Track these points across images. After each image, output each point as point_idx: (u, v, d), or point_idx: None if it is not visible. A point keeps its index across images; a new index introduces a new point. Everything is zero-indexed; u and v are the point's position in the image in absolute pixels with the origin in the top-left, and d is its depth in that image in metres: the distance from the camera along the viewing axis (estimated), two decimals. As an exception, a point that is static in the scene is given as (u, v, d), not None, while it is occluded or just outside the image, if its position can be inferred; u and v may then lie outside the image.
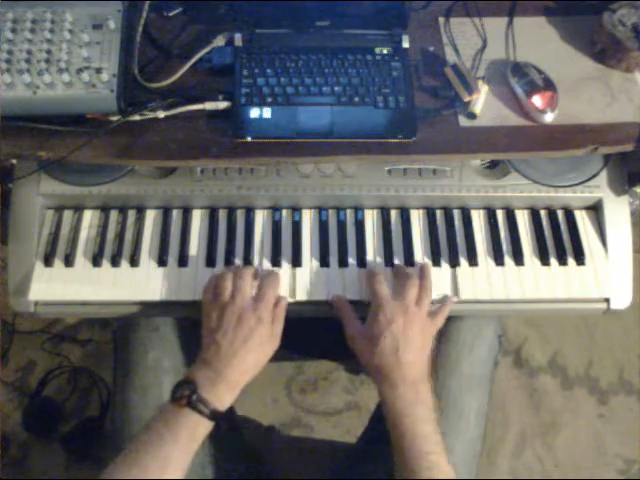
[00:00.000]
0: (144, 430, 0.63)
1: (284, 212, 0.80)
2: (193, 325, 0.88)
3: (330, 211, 0.80)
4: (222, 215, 0.80)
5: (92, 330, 1.43)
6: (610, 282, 0.76)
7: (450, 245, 0.78)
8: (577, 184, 0.79)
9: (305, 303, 0.74)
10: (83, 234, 0.78)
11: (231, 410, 0.85)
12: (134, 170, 0.77)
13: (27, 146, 0.70)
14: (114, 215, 0.79)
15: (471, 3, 0.84)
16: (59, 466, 1.27)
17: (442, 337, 0.83)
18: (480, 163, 0.80)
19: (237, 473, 0.80)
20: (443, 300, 0.75)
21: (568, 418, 1.39)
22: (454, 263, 0.77)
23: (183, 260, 0.76)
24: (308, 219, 0.80)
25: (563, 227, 0.80)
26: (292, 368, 1.40)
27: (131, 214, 0.79)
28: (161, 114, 0.72)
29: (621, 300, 0.76)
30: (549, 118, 0.74)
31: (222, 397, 0.65)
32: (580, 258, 0.77)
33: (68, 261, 0.75)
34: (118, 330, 0.84)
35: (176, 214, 0.80)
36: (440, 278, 0.76)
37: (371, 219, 0.80)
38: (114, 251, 0.77)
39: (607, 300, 0.76)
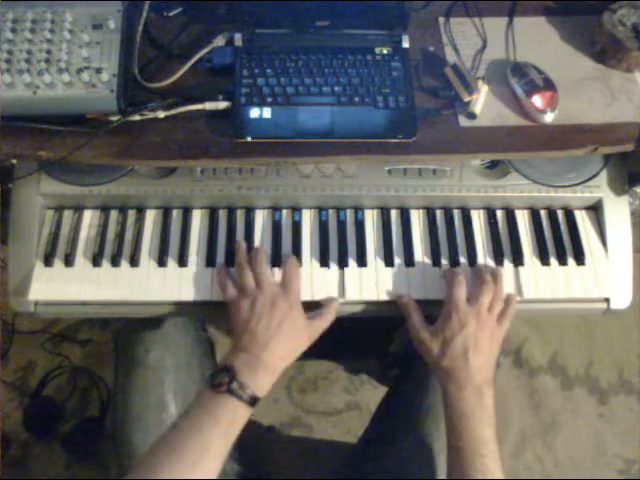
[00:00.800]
0: (183, 417, 0.63)
1: (284, 212, 0.80)
2: (193, 325, 0.89)
3: (330, 211, 0.80)
4: (222, 215, 0.80)
5: (92, 330, 1.43)
6: (610, 282, 0.76)
7: (450, 245, 0.78)
8: (577, 184, 0.79)
9: (306, 303, 0.74)
10: (83, 234, 0.78)
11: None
12: (134, 170, 0.77)
13: (27, 146, 0.70)
14: (114, 215, 0.79)
15: (471, 3, 0.84)
16: (59, 466, 1.28)
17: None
18: (480, 163, 0.80)
19: (237, 473, 0.80)
20: (506, 301, 0.74)
21: (568, 418, 1.39)
22: (454, 263, 0.77)
23: (183, 260, 0.76)
24: (308, 219, 0.80)
25: (563, 227, 0.80)
26: (292, 368, 1.40)
27: (131, 214, 0.79)
28: (161, 114, 0.72)
29: (621, 300, 0.76)
30: (549, 118, 0.74)
31: (261, 382, 0.66)
32: (580, 258, 0.77)
33: (68, 261, 0.75)
34: (119, 330, 0.84)
35: (176, 214, 0.80)
36: (441, 278, 0.76)
37: (371, 219, 0.80)
38: (114, 251, 0.77)
39: (607, 300, 0.76)
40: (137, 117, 0.71)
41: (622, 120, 0.75)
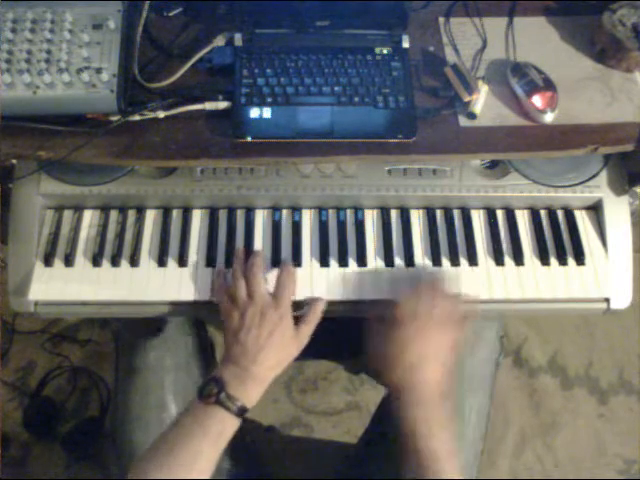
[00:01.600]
0: (172, 426, 0.64)
1: (284, 212, 0.80)
2: (193, 325, 0.89)
3: (330, 211, 0.80)
4: (222, 215, 0.80)
5: (92, 330, 1.44)
6: (610, 282, 0.76)
7: (450, 245, 0.78)
8: (577, 184, 0.79)
9: (305, 303, 0.74)
10: (83, 234, 0.78)
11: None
12: (134, 170, 0.77)
13: (27, 146, 0.70)
14: (114, 215, 0.79)
15: (471, 3, 0.84)
16: (59, 466, 1.28)
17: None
18: (480, 163, 0.80)
19: (237, 473, 0.80)
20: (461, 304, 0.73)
21: (568, 418, 1.39)
22: (454, 263, 0.77)
23: (183, 260, 0.76)
24: (308, 219, 0.80)
25: (563, 227, 0.80)
26: (292, 368, 1.40)
27: (131, 214, 0.79)
28: (161, 114, 0.72)
29: (621, 300, 0.76)
30: (549, 118, 0.74)
31: (250, 394, 0.66)
32: (580, 258, 0.77)
33: (68, 261, 0.75)
34: (119, 330, 0.84)
35: (176, 214, 0.80)
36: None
37: (371, 219, 0.80)
38: (114, 251, 0.77)
39: (607, 300, 0.76)
40: (137, 117, 0.71)
41: (622, 120, 0.75)
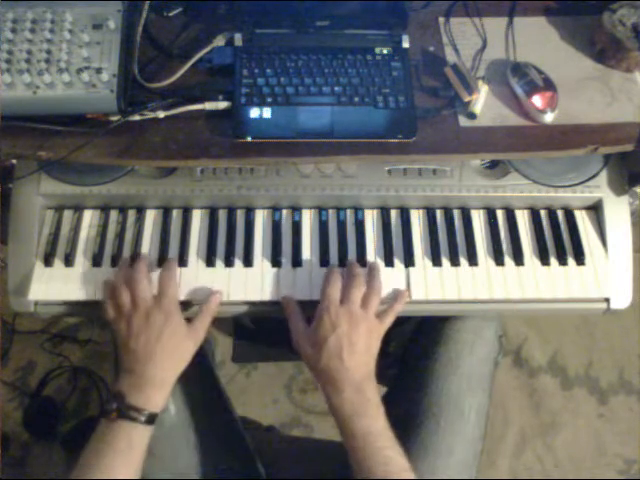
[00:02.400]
0: (85, 451, 0.64)
1: (284, 212, 0.80)
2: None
3: (330, 211, 0.80)
4: (222, 215, 0.80)
5: (92, 330, 1.43)
6: (610, 282, 0.76)
7: (450, 245, 0.78)
8: (577, 184, 0.79)
9: (305, 303, 0.74)
10: (83, 234, 0.78)
11: (230, 409, 0.85)
12: (134, 170, 0.77)
13: (27, 146, 0.70)
14: (114, 215, 0.79)
15: (471, 3, 0.84)
16: (59, 466, 1.28)
17: (442, 337, 0.83)
18: (480, 163, 0.80)
19: (237, 473, 0.80)
20: (394, 297, 0.73)
21: (568, 418, 1.39)
22: (454, 263, 0.77)
23: (183, 260, 0.76)
24: (308, 219, 0.80)
25: (563, 227, 0.80)
26: (292, 368, 1.40)
27: (131, 214, 0.79)
28: (161, 114, 0.72)
29: (621, 300, 0.76)
30: (549, 118, 0.74)
31: (151, 399, 0.66)
32: (580, 258, 0.77)
33: (68, 261, 0.75)
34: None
35: (176, 214, 0.80)
36: (441, 278, 0.76)
37: (371, 219, 0.80)
38: (114, 251, 0.77)
39: (607, 300, 0.76)
40: (137, 117, 0.71)
41: (622, 120, 0.75)
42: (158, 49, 0.79)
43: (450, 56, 0.80)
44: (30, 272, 0.75)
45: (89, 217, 0.79)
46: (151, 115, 0.72)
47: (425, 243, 0.78)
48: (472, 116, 0.75)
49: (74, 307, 0.75)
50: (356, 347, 0.67)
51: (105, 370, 1.38)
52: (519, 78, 0.76)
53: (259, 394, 1.36)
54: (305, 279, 0.76)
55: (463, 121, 0.75)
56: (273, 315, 0.75)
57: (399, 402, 0.84)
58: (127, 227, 0.78)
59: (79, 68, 0.69)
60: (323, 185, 0.78)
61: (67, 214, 0.79)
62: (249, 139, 0.72)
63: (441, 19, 0.84)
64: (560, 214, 0.81)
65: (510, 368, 1.44)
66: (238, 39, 0.78)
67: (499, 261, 0.77)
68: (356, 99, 0.74)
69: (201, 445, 0.77)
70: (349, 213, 0.80)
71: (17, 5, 0.72)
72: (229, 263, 0.76)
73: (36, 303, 0.75)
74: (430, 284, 0.76)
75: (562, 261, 0.77)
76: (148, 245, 0.77)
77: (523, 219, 0.81)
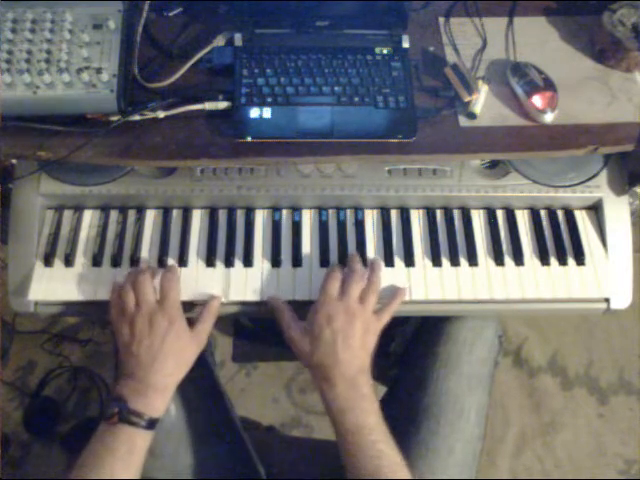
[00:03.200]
0: (84, 452, 0.64)
1: (284, 212, 0.80)
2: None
3: (330, 211, 0.80)
4: (222, 215, 0.80)
5: (92, 330, 1.43)
6: (610, 282, 0.76)
7: (450, 245, 0.78)
8: (577, 184, 0.79)
9: (305, 303, 0.74)
10: (83, 234, 0.78)
11: (229, 410, 0.85)
12: (134, 170, 0.77)
13: (27, 146, 0.70)
14: (114, 215, 0.79)
15: (471, 3, 0.84)
16: (59, 466, 1.28)
17: (442, 337, 0.83)
18: (480, 163, 0.80)
19: (237, 473, 0.80)
20: (392, 295, 0.73)
21: (568, 418, 1.39)
22: (454, 263, 0.77)
23: (183, 260, 0.76)
24: (308, 219, 0.80)
25: (563, 227, 0.80)
26: (292, 368, 1.40)
27: (131, 214, 0.79)
28: (161, 114, 0.72)
29: (621, 300, 0.76)
30: (549, 118, 0.74)
31: (153, 404, 0.66)
32: (580, 258, 0.77)
33: (68, 261, 0.75)
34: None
35: (176, 214, 0.80)
36: (441, 278, 0.76)
37: (371, 219, 0.80)
38: (114, 251, 0.77)
39: (607, 300, 0.76)
40: (137, 117, 0.71)
41: (622, 120, 0.75)
42: (158, 49, 0.79)
43: (450, 56, 0.80)
44: (30, 272, 0.75)
45: (89, 217, 0.79)
46: (151, 115, 0.72)
47: (425, 243, 0.78)
48: (472, 116, 0.75)
49: (74, 307, 0.75)
50: (351, 341, 0.67)
51: (105, 370, 1.38)
52: (519, 78, 0.76)
53: (259, 394, 1.36)
54: (305, 279, 0.76)
55: (463, 121, 0.75)
56: (273, 315, 0.75)
57: (399, 402, 0.84)
58: (127, 227, 0.78)
59: (79, 68, 0.69)
60: (323, 185, 0.78)
61: (67, 214, 0.79)
62: (249, 139, 0.72)
63: (441, 19, 0.84)
64: (560, 214, 0.81)
65: (510, 368, 1.44)
66: (238, 39, 0.78)
67: (499, 261, 0.77)
68: (356, 99, 0.74)
69: (201, 445, 0.77)
70: (349, 213, 0.80)
71: (17, 5, 0.72)
72: (229, 263, 0.76)
73: (36, 303, 0.75)
74: (430, 284, 0.76)
75: (562, 261, 0.77)
76: (148, 245, 0.77)
77: (523, 219, 0.81)
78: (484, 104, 0.75)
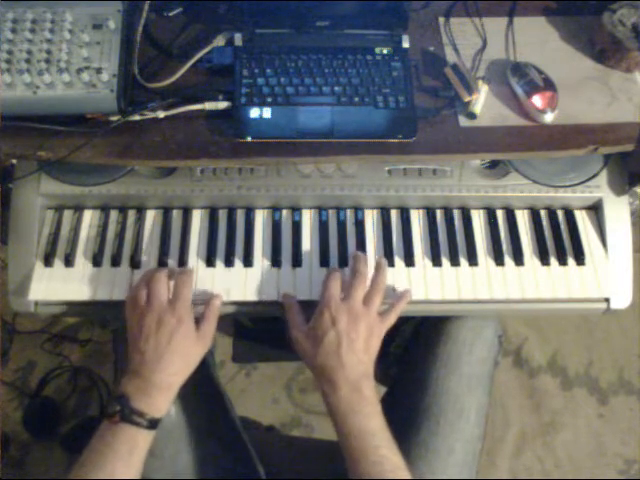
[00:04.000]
0: (85, 451, 0.64)
1: (284, 212, 0.80)
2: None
3: (330, 211, 0.80)
4: (222, 215, 0.80)
5: (92, 330, 1.43)
6: (610, 282, 0.76)
7: (450, 245, 0.78)
8: (577, 184, 0.79)
9: (305, 302, 0.74)
10: (83, 234, 0.78)
11: (229, 410, 0.85)
12: (134, 170, 0.77)
13: (27, 146, 0.70)
14: (114, 215, 0.79)
15: (471, 3, 0.84)
16: (59, 466, 1.27)
17: (442, 337, 0.83)
18: (480, 163, 0.80)
19: (237, 473, 0.80)
20: (396, 297, 0.73)
21: (568, 418, 1.39)
22: (454, 263, 0.77)
23: (183, 260, 0.76)
24: (308, 219, 0.80)
25: (563, 227, 0.80)
26: (292, 368, 1.40)
27: (131, 214, 0.79)
28: (161, 114, 0.72)
29: (621, 300, 0.76)
30: (549, 118, 0.74)
31: (156, 404, 0.65)
32: (580, 258, 0.77)
33: (68, 261, 0.75)
34: (118, 330, 0.84)
35: (176, 214, 0.80)
36: (441, 278, 0.76)
37: (371, 219, 0.80)
38: (114, 251, 0.77)
39: (607, 300, 0.76)
40: (137, 117, 0.71)
41: (622, 120, 0.75)
42: (158, 49, 0.79)
43: (450, 56, 0.80)
44: (30, 272, 0.75)
45: (89, 217, 0.79)
46: (151, 115, 0.72)
47: (425, 243, 0.78)
48: (472, 116, 0.75)
49: (74, 307, 0.75)
50: (355, 344, 0.67)
51: (105, 370, 1.38)
52: (519, 78, 0.76)
53: (259, 394, 1.36)
54: (305, 279, 0.76)
55: (463, 121, 0.75)
56: (273, 315, 0.75)
57: (399, 402, 0.84)
58: (127, 227, 0.78)
59: (79, 68, 0.69)
60: (323, 185, 0.78)
61: (67, 214, 0.79)
62: (249, 139, 0.72)
63: (441, 19, 0.84)
64: (560, 214, 0.81)
65: (510, 368, 1.44)
66: (238, 39, 0.78)
67: (499, 261, 0.77)
68: (356, 99, 0.75)
69: (201, 445, 0.77)
70: (349, 213, 0.80)
71: (17, 5, 0.73)
72: (229, 263, 0.76)
73: (36, 303, 0.75)
74: (430, 284, 0.76)
75: (562, 261, 0.77)
76: (148, 245, 0.77)
77: (523, 219, 0.81)
78: (484, 104, 0.75)
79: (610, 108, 0.76)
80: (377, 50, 0.78)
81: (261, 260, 0.77)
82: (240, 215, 0.80)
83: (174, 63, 0.77)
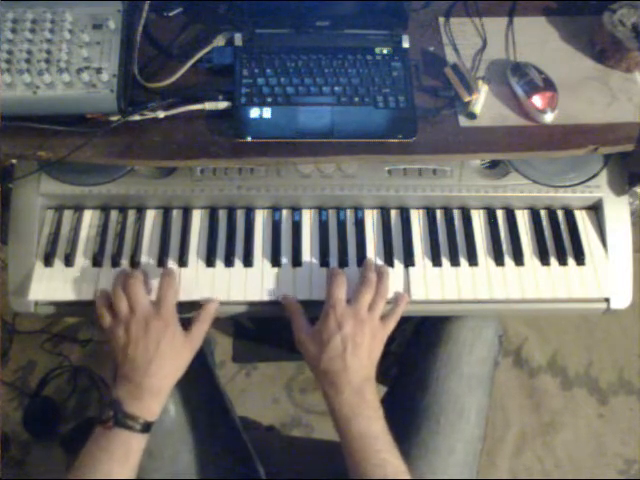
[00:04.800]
0: (81, 455, 0.64)
1: (284, 212, 0.80)
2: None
3: (330, 211, 0.80)
4: (222, 215, 0.80)
5: (92, 330, 1.43)
6: (610, 282, 0.76)
7: (450, 245, 0.78)
8: (577, 184, 0.79)
9: (306, 303, 0.74)
10: (83, 234, 0.78)
11: (229, 410, 0.85)
12: (134, 170, 0.77)
13: (27, 146, 0.70)
14: (114, 215, 0.79)
15: (471, 3, 0.84)
16: (59, 466, 1.28)
17: (442, 337, 0.83)
18: (480, 163, 0.80)
19: (237, 473, 0.80)
20: (395, 301, 0.73)
21: (568, 418, 1.39)
22: (454, 263, 0.77)
23: (183, 260, 0.76)
24: (308, 219, 0.80)
25: (563, 227, 0.80)
26: (292, 368, 1.40)
27: (131, 214, 0.79)
28: (161, 114, 0.72)
29: (621, 300, 0.76)
30: (549, 118, 0.74)
31: (149, 407, 0.66)
32: (580, 258, 0.77)
33: (68, 261, 0.75)
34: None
35: (176, 214, 0.80)
36: (441, 278, 0.76)
37: (371, 219, 0.80)
38: (114, 251, 0.77)
39: (607, 300, 0.76)
40: (137, 117, 0.71)
41: (622, 120, 0.75)
42: (158, 49, 0.79)
43: (450, 56, 0.80)
44: (30, 272, 0.75)
45: (89, 217, 0.79)
46: (151, 115, 0.72)
47: (425, 243, 0.78)
48: (472, 116, 0.75)
49: (74, 307, 0.75)
50: (359, 349, 0.67)
51: (105, 370, 1.38)
52: (519, 78, 0.76)
53: (259, 394, 1.36)
54: (305, 279, 0.76)
55: (463, 121, 0.75)
56: (273, 315, 0.75)
57: (399, 402, 0.84)
58: (127, 227, 0.78)
59: (79, 68, 0.69)
60: (323, 185, 0.78)
61: (67, 214, 0.79)
62: (249, 139, 0.72)
63: (441, 19, 0.84)
64: (560, 214, 0.81)
65: (510, 368, 1.44)
66: (238, 39, 0.79)
67: (499, 261, 0.77)
68: (356, 99, 0.75)
69: (201, 445, 0.78)
70: (349, 213, 0.80)
71: (17, 5, 0.73)
72: (229, 263, 0.76)
73: (36, 303, 0.75)
74: (430, 284, 0.76)
75: (562, 261, 0.77)
76: (148, 245, 0.77)
77: (523, 219, 0.81)
78: (484, 104, 0.75)
79: (610, 108, 0.76)
80: (377, 50, 0.78)
81: (261, 260, 0.77)
82: (240, 215, 0.80)
83: (174, 63, 0.77)
